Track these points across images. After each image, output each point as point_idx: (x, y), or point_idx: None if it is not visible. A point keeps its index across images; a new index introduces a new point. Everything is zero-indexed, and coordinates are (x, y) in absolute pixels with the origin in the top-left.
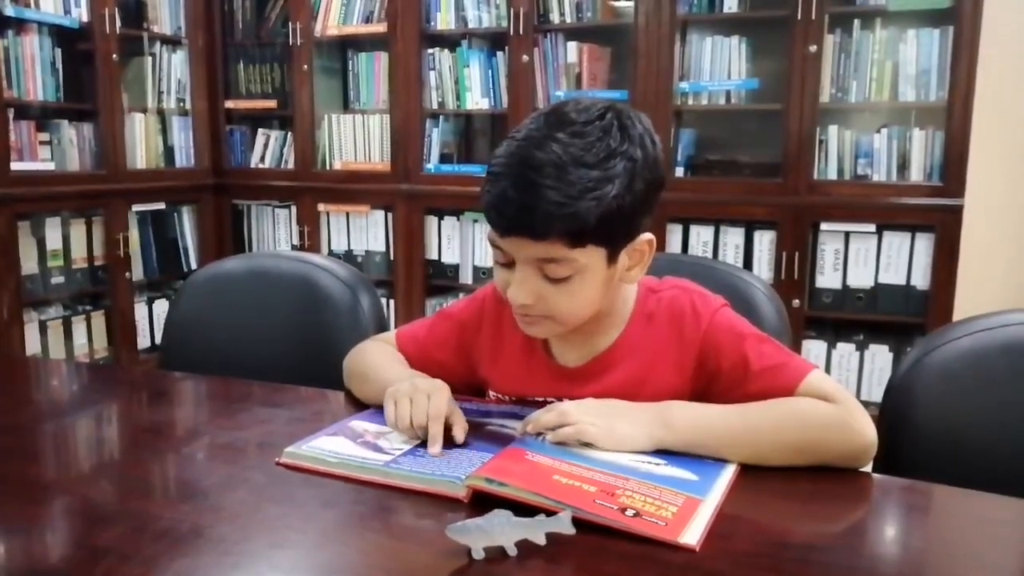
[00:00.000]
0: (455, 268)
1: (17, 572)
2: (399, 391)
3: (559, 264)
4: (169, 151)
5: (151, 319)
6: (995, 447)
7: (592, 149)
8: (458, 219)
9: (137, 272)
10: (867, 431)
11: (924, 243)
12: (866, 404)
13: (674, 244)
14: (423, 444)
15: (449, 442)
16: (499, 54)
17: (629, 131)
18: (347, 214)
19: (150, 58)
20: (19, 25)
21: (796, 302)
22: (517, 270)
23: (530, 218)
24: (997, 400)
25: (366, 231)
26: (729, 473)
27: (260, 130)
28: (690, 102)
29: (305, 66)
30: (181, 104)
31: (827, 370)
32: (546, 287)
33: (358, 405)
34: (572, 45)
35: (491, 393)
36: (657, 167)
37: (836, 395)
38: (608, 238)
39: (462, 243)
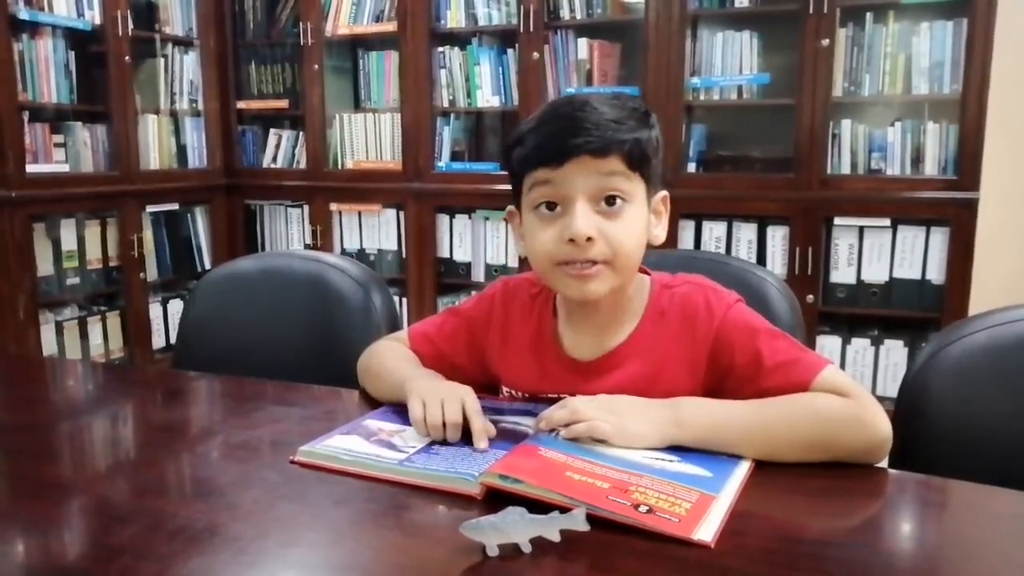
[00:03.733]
0: (467, 266)
1: (34, 571)
2: (428, 393)
3: (617, 186)
4: (182, 152)
5: (165, 319)
6: (1012, 442)
7: (624, 105)
8: (469, 217)
9: (151, 272)
10: (882, 426)
11: (939, 237)
12: (881, 399)
13: (687, 240)
14: (438, 442)
15: (463, 440)
16: (509, 51)
17: (644, 107)
18: (359, 213)
19: (162, 59)
20: (33, 28)
21: (810, 297)
22: (576, 206)
23: (589, 137)
24: (1013, 394)
25: (378, 230)
26: (743, 469)
27: (272, 130)
28: (701, 97)
29: (316, 66)
30: (193, 105)
31: (842, 366)
32: (602, 222)
33: (371, 403)
34: (582, 41)
35: (504, 389)
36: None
37: (851, 390)
38: (649, 173)
39: (474, 241)
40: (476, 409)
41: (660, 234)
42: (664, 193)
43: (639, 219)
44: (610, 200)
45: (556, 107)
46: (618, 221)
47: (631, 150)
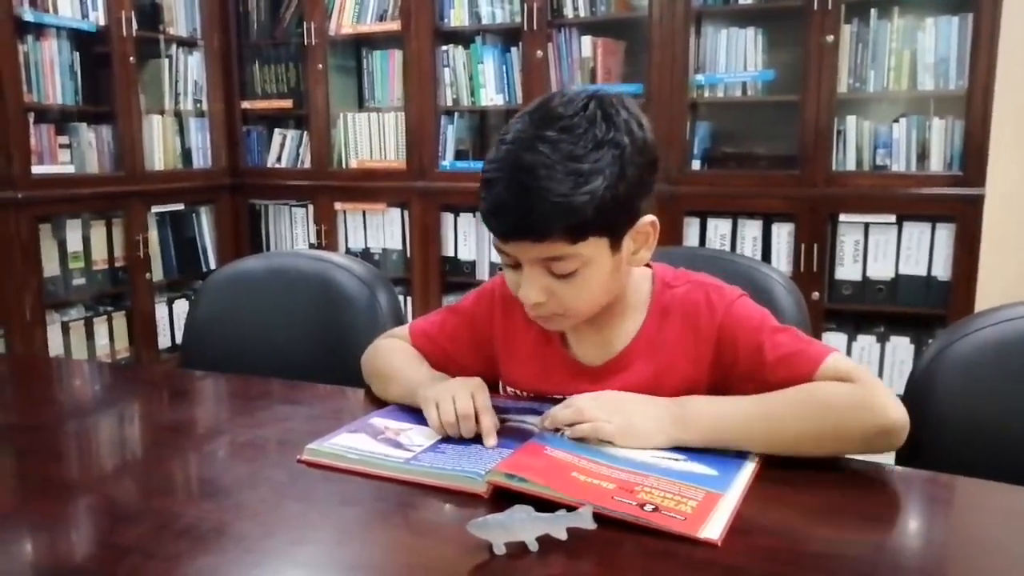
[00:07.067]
0: (471, 265)
1: (42, 570)
2: (440, 394)
3: (564, 261)
4: (186, 152)
5: (171, 319)
6: (1019, 438)
7: (579, 142)
8: (474, 215)
9: (157, 272)
10: (890, 409)
11: (944, 233)
12: None
13: (691, 237)
14: (444, 441)
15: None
16: (513, 50)
17: (613, 119)
18: (364, 212)
19: (166, 60)
20: (38, 30)
21: (816, 294)
22: (524, 271)
23: (528, 221)
24: (1020, 391)
25: (383, 229)
26: (749, 468)
27: (276, 130)
28: (706, 95)
29: (320, 65)
30: (198, 105)
31: None
32: (555, 283)
33: (377, 402)
34: (586, 39)
35: (507, 388)
36: (648, 150)
37: (856, 375)
38: (608, 228)
39: (478, 239)
40: (486, 405)
41: (645, 256)
42: (650, 219)
43: (597, 274)
44: (559, 267)
45: (502, 170)
46: (570, 283)
47: (576, 226)
